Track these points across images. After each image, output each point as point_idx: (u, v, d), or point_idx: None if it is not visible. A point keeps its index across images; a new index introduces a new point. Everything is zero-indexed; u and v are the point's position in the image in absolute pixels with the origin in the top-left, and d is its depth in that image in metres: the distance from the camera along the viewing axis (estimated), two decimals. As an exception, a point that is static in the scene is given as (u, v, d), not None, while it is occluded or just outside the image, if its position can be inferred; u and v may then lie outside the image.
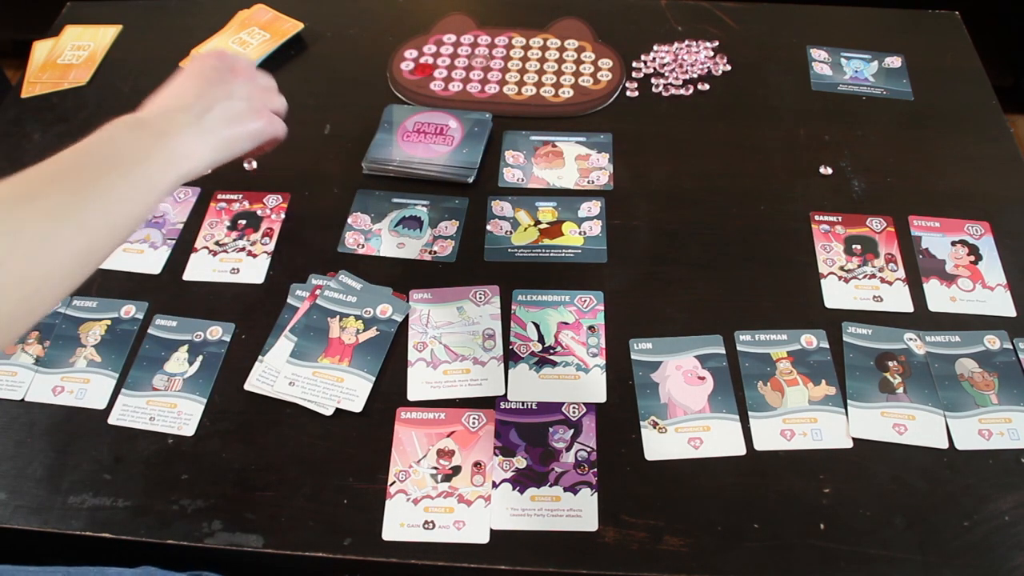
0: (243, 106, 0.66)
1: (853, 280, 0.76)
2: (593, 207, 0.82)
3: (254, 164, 0.85)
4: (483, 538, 0.61)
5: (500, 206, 0.82)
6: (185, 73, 0.67)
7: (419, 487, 0.64)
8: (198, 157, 0.61)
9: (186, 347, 0.72)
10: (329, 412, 0.68)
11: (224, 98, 0.65)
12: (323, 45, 1.01)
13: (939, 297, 0.75)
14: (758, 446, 0.65)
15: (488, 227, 0.81)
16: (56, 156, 0.54)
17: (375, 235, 0.80)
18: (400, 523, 0.62)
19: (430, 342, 0.72)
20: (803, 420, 0.67)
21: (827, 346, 0.71)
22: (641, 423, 0.67)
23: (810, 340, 0.72)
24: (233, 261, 0.78)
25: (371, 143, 0.87)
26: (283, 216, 0.82)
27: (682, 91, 0.94)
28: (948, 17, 1.03)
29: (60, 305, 0.75)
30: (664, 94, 0.94)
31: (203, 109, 0.63)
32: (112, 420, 0.68)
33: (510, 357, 0.71)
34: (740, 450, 0.65)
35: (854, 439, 0.66)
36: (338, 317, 0.73)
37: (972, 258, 0.77)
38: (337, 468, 0.65)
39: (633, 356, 0.71)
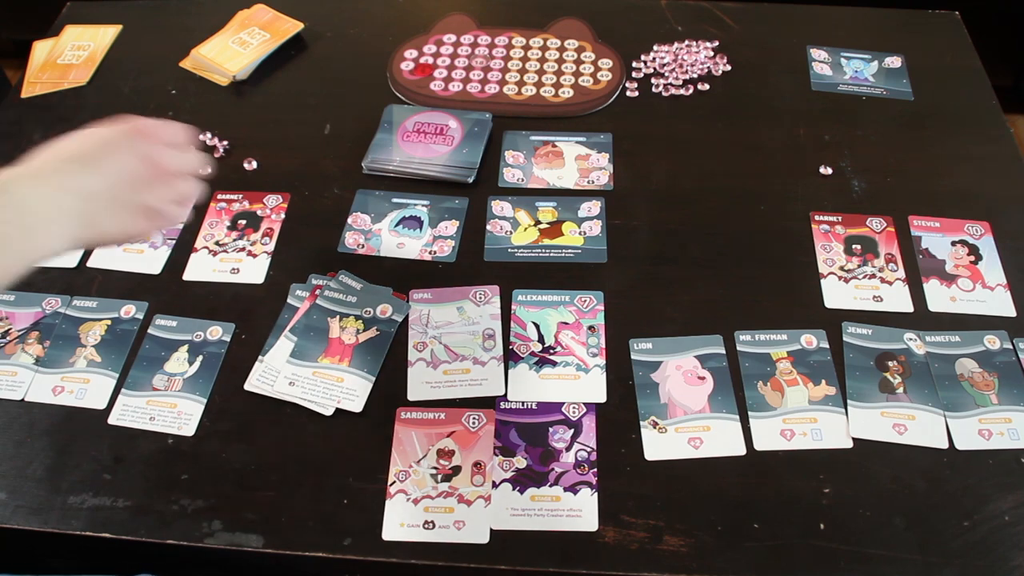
0: (129, 203, 0.57)
1: (853, 280, 0.76)
2: (593, 207, 0.82)
3: (254, 163, 0.85)
4: (483, 538, 0.61)
5: (500, 206, 0.82)
6: (91, 133, 0.58)
7: (419, 487, 0.64)
8: (50, 248, 0.53)
9: (186, 347, 0.72)
10: (329, 412, 0.68)
11: (111, 184, 0.56)
12: (323, 45, 1.01)
13: (939, 297, 0.75)
14: (758, 446, 0.65)
15: (488, 227, 0.81)
16: None
17: (375, 235, 0.80)
18: (400, 523, 0.62)
19: (430, 342, 0.72)
20: (803, 420, 0.67)
21: (827, 346, 0.71)
22: (641, 423, 0.67)
23: (810, 340, 0.72)
24: (233, 261, 0.78)
25: (371, 143, 0.87)
26: (283, 216, 0.82)
27: (682, 91, 0.94)
28: (948, 17, 1.03)
29: (60, 305, 0.75)
30: (664, 94, 0.94)
31: (79, 187, 0.55)
32: (112, 420, 0.68)
33: (510, 357, 0.71)
34: (740, 450, 0.65)
35: (854, 439, 0.66)
36: (338, 317, 0.73)
37: (972, 258, 0.77)
38: (337, 468, 0.65)
39: (633, 356, 0.71)
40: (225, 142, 0.88)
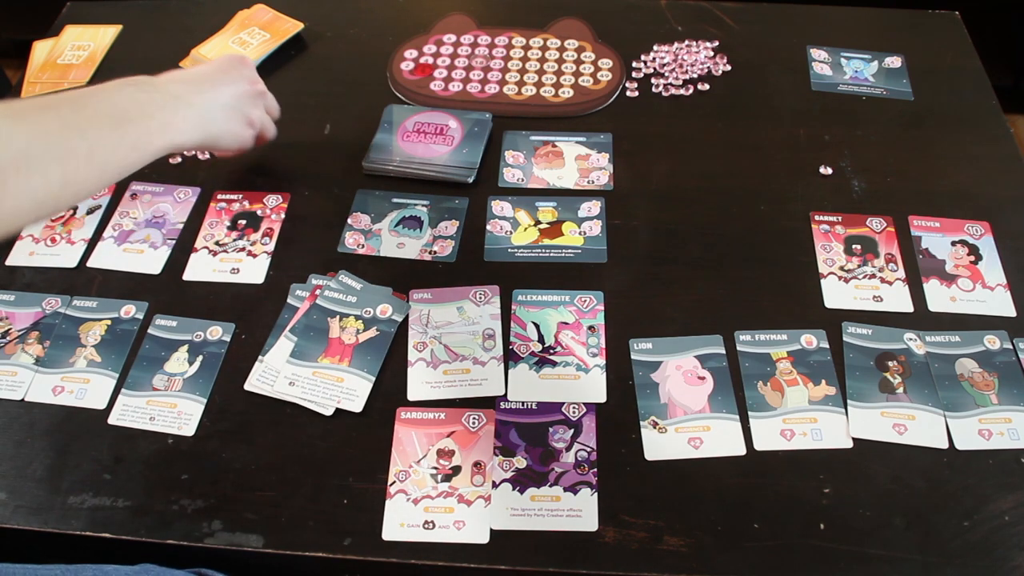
0: (241, 114, 0.75)
1: (853, 280, 0.76)
2: (593, 207, 0.82)
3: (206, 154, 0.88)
4: (483, 538, 0.61)
5: (500, 206, 0.82)
6: (212, 62, 0.75)
7: (419, 487, 0.64)
8: (188, 135, 0.68)
9: (186, 347, 0.72)
10: (329, 412, 0.68)
11: (233, 98, 0.74)
12: (323, 45, 1.01)
13: (939, 297, 0.75)
14: (758, 446, 0.65)
15: (488, 227, 0.81)
16: (62, 94, 0.60)
17: (375, 235, 0.80)
18: (400, 523, 0.62)
19: (430, 342, 0.72)
20: (803, 420, 0.67)
21: (827, 346, 0.71)
22: (641, 423, 0.67)
23: (810, 340, 0.72)
24: (233, 261, 0.78)
25: (371, 143, 0.87)
26: (283, 216, 0.82)
27: (682, 91, 0.94)
28: (948, 17, 1.03)
29: (60, 305, 0.75)
30: (664, 94, 0.94)
31: (211, 96, 0.71)
32: (112, 420, 0.68)
33: (510, 357, 0.71)
34: (740, 450, 0.65)
35: (854, 439, 0.66)
36: (338, 317, 0.73)
37: (972, 258, 0.77)
38: (337, 468, 0.65)
39: (633, 356, 0.71)
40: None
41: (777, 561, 0.60)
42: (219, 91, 0.72)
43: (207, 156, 0.88)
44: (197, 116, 0.69)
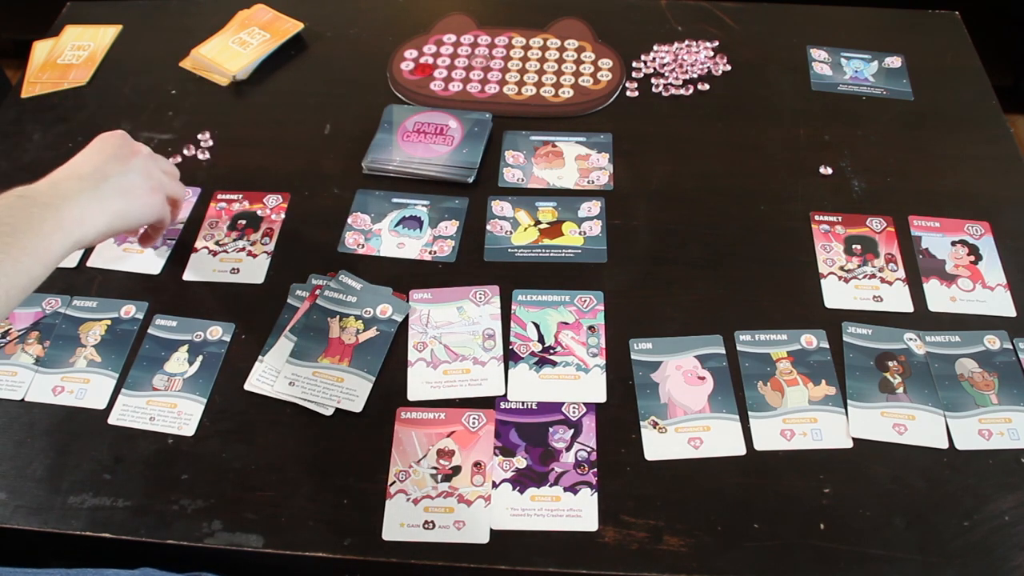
0: (138, 179, 0.68)
1: (853, 280, 0.76)
2: (593, 207, 0.82)
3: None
4: (483, 538, 0.61)
5: (500, 206, 0.82)
6: (86, 149, 0.68)
7: (419, 487, 0.64)
8: (91, 223, 0.62)
9: (186, 347, 0.72)
10: (329, 412, 0.68)
11: (121, 171, 0.66)
12: (323, 45, 1.01)
13: (939, 297, 0.75)
14: (758, 446, 0.65)
15: (488, 227, 0.81)
16: None
17: (375, 235, 0.80)
18: (400, 523, 0.62)
19: (430, 342, 0.72)
20: (803, 420, 0.67)
21: (827, 346, 0.71)
22: (641, 423, 0.67)
23: (810, 340, 0.72)
24: (233, 261, 0.78)
25: (371, 143, 0.87)
26: (283, 216, 0.82)
27: (682, 91, 0.94)
28: (948, 17, 1.03)
29: (60, 305, 0.75)
30: (664, 94, 0.94)
31: (99, 178, 0.65)
32: (112, 420, 0.68)
33: (510, 357, 0.71)
34: (740, 450, 0.65)
35: (854, 439, 0.66)
36: (338, 317, 0.73)
37: (972, 258, 0.77)
38: (337, 468, 0.65)
39: (633, 356, 0.71)
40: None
41: (777, 561, 0.60)
42: (105, 167, 0.66)
43: (207, 156, 0.88)
44: (92, 199, 0.63)
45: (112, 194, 0.65)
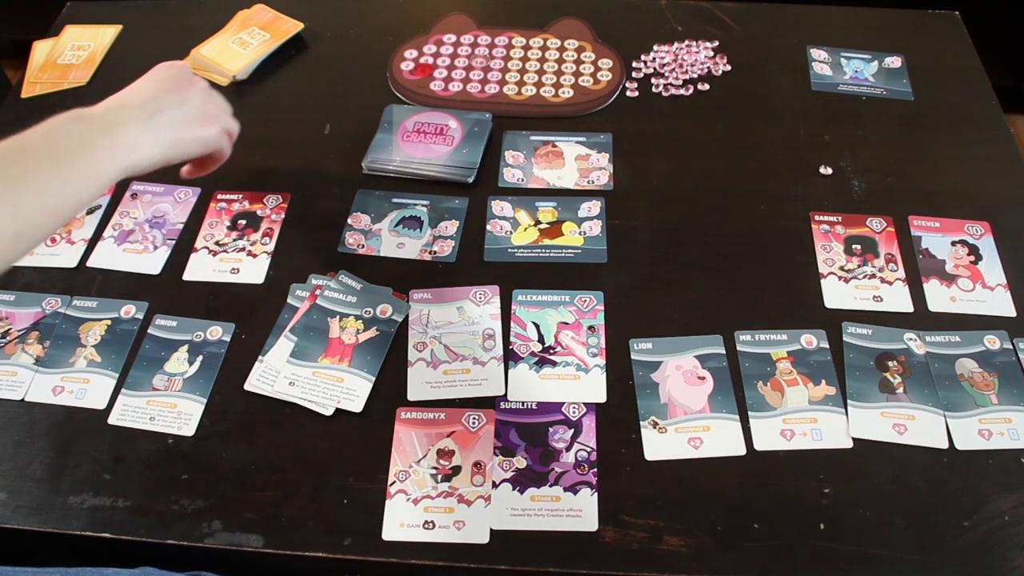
0: (194, 112, 0.68)
1: (853, 280, 0.76)
2: (593, 207, 0.82)
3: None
4: (483, 538, 0.61)
5: (500, 206, 0.82)
6: (145, 76, 0.70)
7: (419, 487, 0.64)
8: (143, 151, 0.63)
9: (186, 347, 0.72)
10: (329, 412, 0.68)
11: (177, 102, 0.67)
12: (323, 45, 1.01)
13: (939, 297, 0.75)
14: (758, 446, 0.65)
15: (488, 227, 0.81)
16: None
17: (375, 235, 0.80)
18: (400, 523, 0.62)
19: (430, 342, 0.72)
20: (803, 420, 0.67)
21: (827, 346, 0.71)
22: (641, 423, 0.67)
23: (810, 340, 0.72)
24: (233, 261, 0.78)
25: (371, 143, 0.87)
26: (283, 216, 0.82)
27: (682, 91, 0.94)
28: (948, 17, 1.03)
29: (60, 305, 0.75)
30: (664, 94, 0.94)
31: (154, 108, 0.65)
32: (112, 420, 0.68)
33: (510, 357, 0.71)
34: (740, 450, 0.65)
35: (854, 439, 0.66)
36: (338, 317, 0.73)
37: (972, 258, 0.77)
38: (337, 468, 0.65)
39: (633, 356, 0.71)
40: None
41: (777, 561, 0.60)
42: (162, 98, 0.67)
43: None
44: (146, 129, 0.64)
45: (166, 125, 0.65)
